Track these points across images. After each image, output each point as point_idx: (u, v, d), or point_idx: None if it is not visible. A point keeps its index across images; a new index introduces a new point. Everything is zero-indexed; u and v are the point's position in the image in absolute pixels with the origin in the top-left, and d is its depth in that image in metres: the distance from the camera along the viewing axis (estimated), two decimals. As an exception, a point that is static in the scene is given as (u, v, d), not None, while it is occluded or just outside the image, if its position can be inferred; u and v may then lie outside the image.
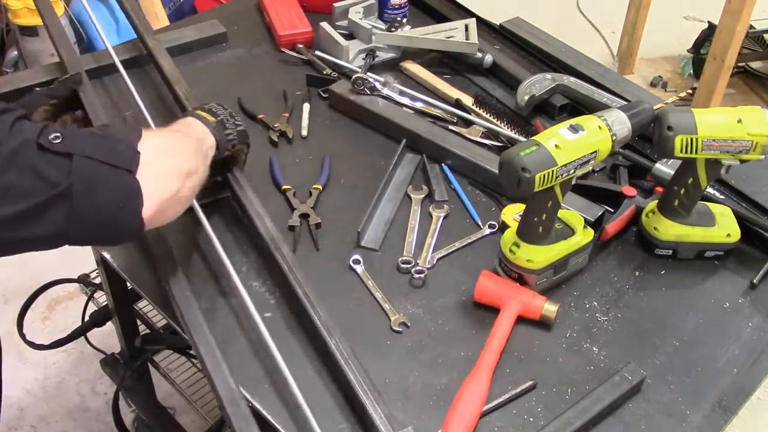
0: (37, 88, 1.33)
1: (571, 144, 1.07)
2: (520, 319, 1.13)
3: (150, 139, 0.95)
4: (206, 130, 1.11)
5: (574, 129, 1.08)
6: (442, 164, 1.41)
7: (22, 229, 0.85)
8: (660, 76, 3.55)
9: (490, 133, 1.47)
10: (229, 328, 1.11)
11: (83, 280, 2.10)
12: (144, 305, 1.98)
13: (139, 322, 1.92)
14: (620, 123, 1.11)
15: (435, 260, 1.23)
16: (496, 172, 1.12)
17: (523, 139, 1.43)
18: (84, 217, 0.87)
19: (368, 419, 0.97)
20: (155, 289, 1.16)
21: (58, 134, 0.85)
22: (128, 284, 1.23)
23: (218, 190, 1.31)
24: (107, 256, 1.22)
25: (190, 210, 1.20)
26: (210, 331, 1.06)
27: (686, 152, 1.15)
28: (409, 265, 1.21)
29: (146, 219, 0.90)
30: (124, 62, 1.56)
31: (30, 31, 2.72)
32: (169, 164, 0.96)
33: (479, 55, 1.61)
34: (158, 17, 2.84)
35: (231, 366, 1.02)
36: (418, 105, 1.52)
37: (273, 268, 1.18)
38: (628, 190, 1.31)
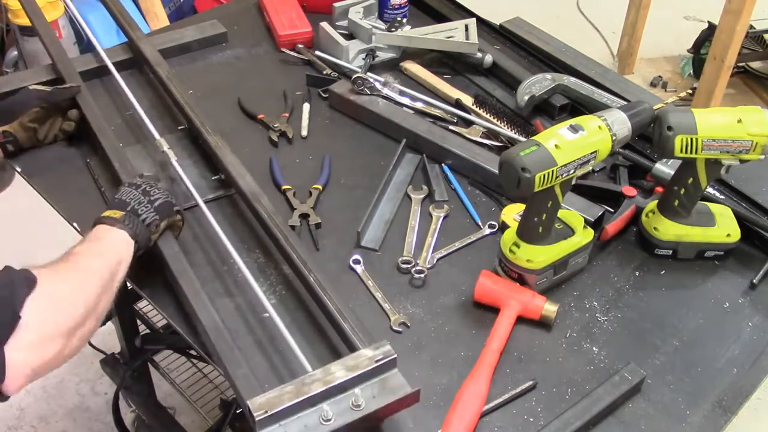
0: (33, 86, 1.33)
1: (571, 144, 1.07)
2: (520, 319, 1.14)
3: (40, 295, 0.88)
4: (119, 236, 1.05)
5: (574, 129, 1.08)
6: (442, 164, 1.41)
7: None
8: (660, 76, 3.55)
9: (490, 133, 1.47)
10: (235, 327, 1.11)
11: (83, 280, 2.09)
12: (144, 305, 1.98)
13: (139, 322, 1.92)
14: (620, 123, 1.11)
15: (435, 260, 1.23)
16: (496, 172, 1.12)
17: (523, 139, 1.43)
18: None
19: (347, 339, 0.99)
20: (156, 289, 1.16)
21: None
22: (128, 284, 1.23)
23: (219, 188, 1.31)
24: (107, 256, 1.21)
25: (195, 207, 1.20)
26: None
27: (686, 152, 1.15)
28: (409, 265, 1.21)
29: (9, 392, 0.85)
30: (124, 62, 1.57)
31: (30, 31, 2.72)
32: (54, 325, 0.90)
33: (479, 55, 1.61)
34: (158, 17, 2.84)
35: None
36: (418, 105, 1.52)
37: (279, 267, 1.19)
38: (628, 190, 1.31)
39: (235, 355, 1.02)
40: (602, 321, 1.16)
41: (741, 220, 1.26)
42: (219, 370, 1.04)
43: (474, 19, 1.69)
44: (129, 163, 1.30)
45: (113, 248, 1.05)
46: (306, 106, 1.53)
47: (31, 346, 0.87)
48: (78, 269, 0.98)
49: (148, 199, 1.11)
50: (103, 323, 1.92)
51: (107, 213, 1.07)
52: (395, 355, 0.96)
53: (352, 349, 1.01)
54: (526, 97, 1.49)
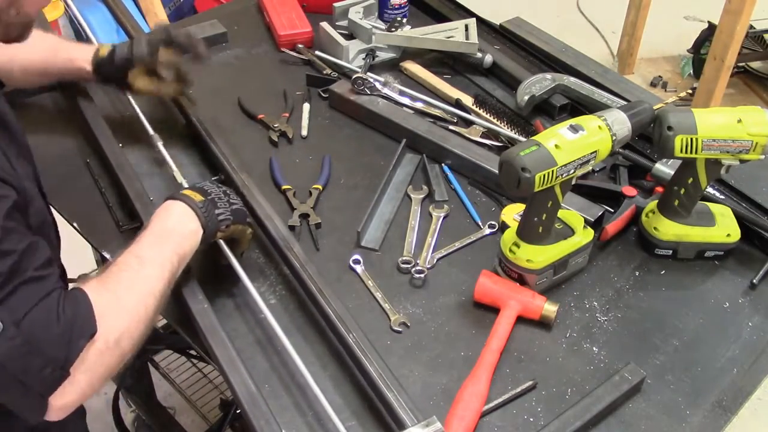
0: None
1: (571, 144, 1.07)
2: (520, 319, 1.13)
3: (97, 341, 0.87)
4: (189, 220, 1.05)
5: (574, 129, 1.08)
6: (442, 164, 1.41)
7: None
8: (660, 76, 3.55)
9: (490, 133, 1.47)
10: (234, 326, 1.11)
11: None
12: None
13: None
14: (620, 123, 1.11)
15: (435, 260, 1.23)
16: (496, 172, 1.12)
17: (523, 139, 1.43)
18: None
19: (392, 412, 0.97)
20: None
21: None
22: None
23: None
24: (108, 256, 1.21)
25: None
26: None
27: (686, 152, 1.15)
28: (409, 265, 1.21)
29: (50, 419, 0.88)
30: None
31: (30, 31, 2.72)
32: (106, 369, 0.90)
33: (479, 55, 1.61)
34: (158, 17, 2.84)
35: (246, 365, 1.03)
36: (418, 105, 1.52)
37: (279, 267, 1.19)
38: (628, 190, 1.31)
39: (233, 354, 1.02)
40: (602, 321, 1.16)
41: (741, 220, 1.26)
42: (218, 369, 1.04)
43: (474, 19, 1.69)
44: (129, 164, 1.30)
45: (184, 245, 1.03)
46: (306, 106, 1.53)
47: (75, 390, 0.87)
48: (138, 281, 0.96)
49: (228, 200, 1.11)
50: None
51: (187, 192, 1.07)
52: None
53: (400, 425, 0.96)
54: (526, 97, 1.49)
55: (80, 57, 1.34)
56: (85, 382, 0.88)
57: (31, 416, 0.87)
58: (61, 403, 0.86)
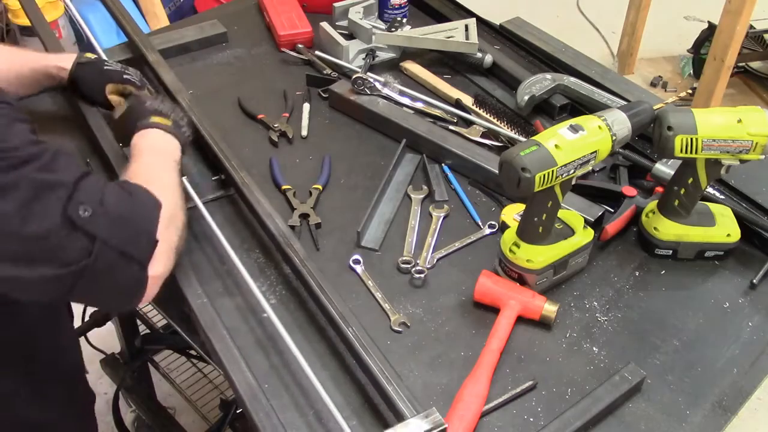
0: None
1: (571, 144, 1.07)
2: (520, 319, 1.14)
3: (163, 215, 0.98)
4: (172, 141, 1.16)
5: (574, 129, 1.08)
6: (442, 164, 1.41)
7: (27, 291, 0.88)
8: (660, 76, 3.55)
9: (490, 133, 1.47)
10: (235, 325, 1.11)
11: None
12: (144, 305, 1.98)
13: (139, 322, 1.92)
14: (620, 123, 1.11)
15: (435, 260, 1.23)
16: (496, 172, 1.12)
17: (523, 139, 1.43)
18: (89, 292, 0.92)
19: (392, 404, 0.97)
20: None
21: (87, 210, 0.86)
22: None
23: (219, 188, 1.32)
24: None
25: (194, 208, 1.21)
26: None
27: (686, 152, 1.15)
28: (409, 265, 1.21)
29: (143, 303, 0.98)
30: (123, 62, 1.56)
31: (30, 31, 2.72)
32: (174, 237, 1.02)
33: (479, 55, 1.61)
34: (158, 17, 2.84)
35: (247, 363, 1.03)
36: (418, 105, 1.52)
37: (279, 267, 1.19)
38: (628, 190, 1.31)
39: (234, 352, 1.02)
40: (602, 321, 1.16)
41: (741, 220, 1.26)
42: (219, 370, 1.04)
43: (474, 19, 1.69)
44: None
45: (175, 155, 1.15)
46: (306, 106, 1.53)
47: (162, 260, 0.98)
48: (164, 179, 1.07)
49: (180, 116, 1.22)
50: (103, 323, 1.94)
51: (156, 119, 1.17)
52: (445, 425, 0.94)
53: (399, 416, 0.96)
54: (526, 97, 1.49)
55: (54, 57, 1.35)
56: (165, 252, 0.98)
57: (136, 291, 0.95)
58: (153, 272, 0.95)
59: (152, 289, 0.97)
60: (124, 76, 1.33)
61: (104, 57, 1.50)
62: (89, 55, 1.36)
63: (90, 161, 1.36)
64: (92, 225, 0.87)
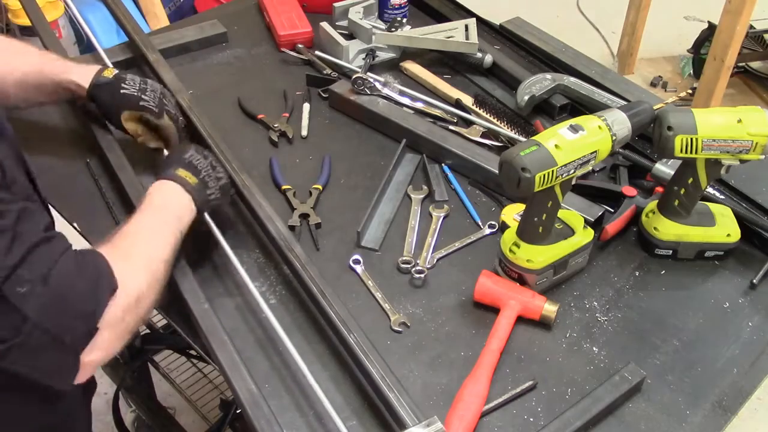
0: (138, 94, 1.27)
1: (571, 144, 1.07)
2: (520, 319, 1.14)
3: (119, 298, 0.89)
4: (186, 202, 1.09)
5: (574, 129, 1.08)
6: (442, 164, 1.41)
7: None
8: (660, 76, 3.55)
9: (490, 133, 1.47)
10: (235, 326, 1.11)
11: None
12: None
13: (139, 322, 1.92)
14: (620, 123, 1.11)
15: (435, 260, 1.23)
16: (496, 172, 1.12)
17: (523, 139, 1.43)
18: (19, 369, 0.85)
19: (393, 412, 0.97)
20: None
21: (26, 287, 0.80)
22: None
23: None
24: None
25: None
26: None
27: (686, 152, 1.15)
28: (409, 265, 1.21)
29: (77, 382, 0.90)
30: (122, 62, 1.57)
31: (30, 31, 2.71)
32: (127, 325, 0.92)
33: (479, 55, 1.61)
34: (158, 17, 2.84)
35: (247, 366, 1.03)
36: (418, 105, 1.52)
37: (279, 267, 1.19)
38: (628, 190, 1.31)
39: (234, 356, 1.02)
40: (602, 321, 1.16)
41: (741, 220, 1.26)
42: (219, 370, 1.04)
43: (474, 19, 1.69)
44: (129, 164, 1.30)
45: (183, 217, 1.08)
46: (306, 106, 1.53)
47: (104, 347, 0.89)
48: (149, 251, 1.00)
49: (216, 176, 1.14)
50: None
51: (182, 173, 1.10)
52: None
53: (400, 424, 0.96)
54: (526, 97, 1.49)
55: (76, 71, 1.28)
56: (109, 339, 0.89)
57: (67, 376, 0.88)
58: (89, 359, 0.88)
59: (86, 373, 0.90)
60: (141, 103, 1.25)
61: (108, 62, 1.50)
62: (108, 73, 1.27)
63: (90, 161, 1.36)
64: (26, 304, 0.80)
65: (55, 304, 0.83)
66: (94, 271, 0.89)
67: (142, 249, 0.99)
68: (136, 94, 1.25)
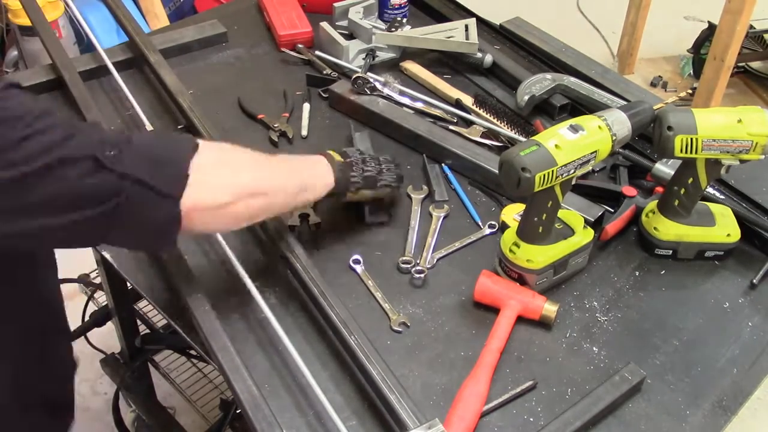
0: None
1: (571, 144, 1.07)
2: (520, 319, 1.14)
3: (209, 153, 0.96)
4: (327, 168, 1.16)
5: (574, 129, 1.08)
6: (442, 164, 1.41)
7: (63, 236, 0.88)
8: (660, 76, 3.55)
9: (490, 133, 1.47)
10: (235, 326, 1.11)
11: (83, 280, 2.10)
12: (144, 305, 1.98)
13: (139, 322, 1.92)
14: (620, 123, 1.11)
15: (435, 260, 1.23)
16: (496, 172, 1.12)
17: (523, 139, 1.43)
18: (123, 232, 0.91)
19: (394, 414, 0.97)
20: (156, 289, 1.16)
21: (114, 150, 0.86)
22: (128, 284, 1.23)
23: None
24: (108, 256, 1.21)
25: None
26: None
27: (686, 152, 1.15)
28: (409, 265, 1.21)
29: (182, 234, 0.95)
30: (123, 62, 1.57)
31: (30, 31, 2.72)
32: (222, 179, 0.97)
33: (479, 55, 1.61)
34: (158, 17, 2.84)
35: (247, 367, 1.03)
36: (418, 105, 1.52)
37: (279, 267, 1.19)
38: (628, 190, 1.31)
39: (234, 356, 1.02)
40: (602, 321, 1.16)
41: (741, 220, 1.26)
42: (218, 370, 1.04)
43: (474, 19, 1.69)
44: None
45: (318, 173, 1.15)
46: (306, 106, 1.53)
47: (199, 193, 0.93)
48: (252, 155, 1.05)
49: (363, 167, 1.20)
50: (103, 323, 1.94)
51: (331, 151, 1.20)
52: None
53: (401, 426, 0.96)
54: (526, 97, 1.49)
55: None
56: (203, 182, 0.93)
57: (170, 229, 0.92)
58: (191, 202, 0.92)
59: (190, 221, 0.92)
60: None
61: (109, 62, 1.48)
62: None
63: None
64: (118, 164, 0.86)
65: (142, 156, 0.90)
66: (174, 134, 1.02)
67: (248, 159, 1.04)
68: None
